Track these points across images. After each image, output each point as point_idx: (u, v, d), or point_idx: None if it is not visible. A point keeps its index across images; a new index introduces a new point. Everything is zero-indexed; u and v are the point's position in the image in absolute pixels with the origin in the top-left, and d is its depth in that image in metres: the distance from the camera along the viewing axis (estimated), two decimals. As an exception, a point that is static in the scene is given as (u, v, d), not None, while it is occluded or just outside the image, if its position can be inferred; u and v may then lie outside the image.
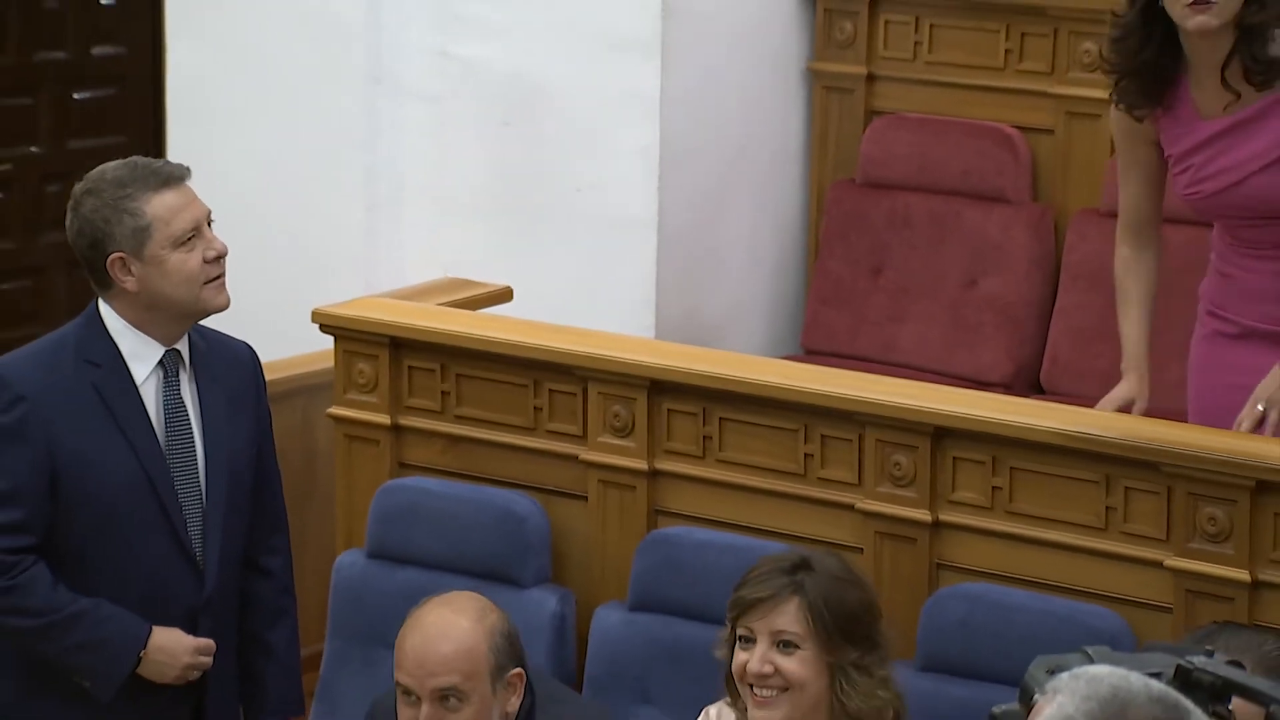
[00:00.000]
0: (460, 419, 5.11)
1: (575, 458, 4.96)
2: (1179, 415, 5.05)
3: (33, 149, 7.87)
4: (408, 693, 4.14)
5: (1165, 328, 5.82)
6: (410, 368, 5.15)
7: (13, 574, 4.26)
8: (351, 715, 4.86)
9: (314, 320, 5.20)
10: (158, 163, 4.35)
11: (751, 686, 4.04)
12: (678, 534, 4.81)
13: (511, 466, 5.03)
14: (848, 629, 4.03)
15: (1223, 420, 4.80)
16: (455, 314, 5.33)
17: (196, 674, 4.41)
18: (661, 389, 4.87)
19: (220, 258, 4.34)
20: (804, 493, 4.73)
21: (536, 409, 5.01)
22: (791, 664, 4.01)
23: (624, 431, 4.91)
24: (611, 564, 4.91)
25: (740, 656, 4.05)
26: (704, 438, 4.85)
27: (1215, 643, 3.81)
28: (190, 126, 6.44)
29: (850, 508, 4.68)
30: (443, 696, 4.11)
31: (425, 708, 4.11)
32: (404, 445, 5.16)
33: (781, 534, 4.72)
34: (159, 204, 4.29)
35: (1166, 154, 4.85)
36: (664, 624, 4.73)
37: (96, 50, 8.00)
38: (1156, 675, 2.74)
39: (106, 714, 4.35)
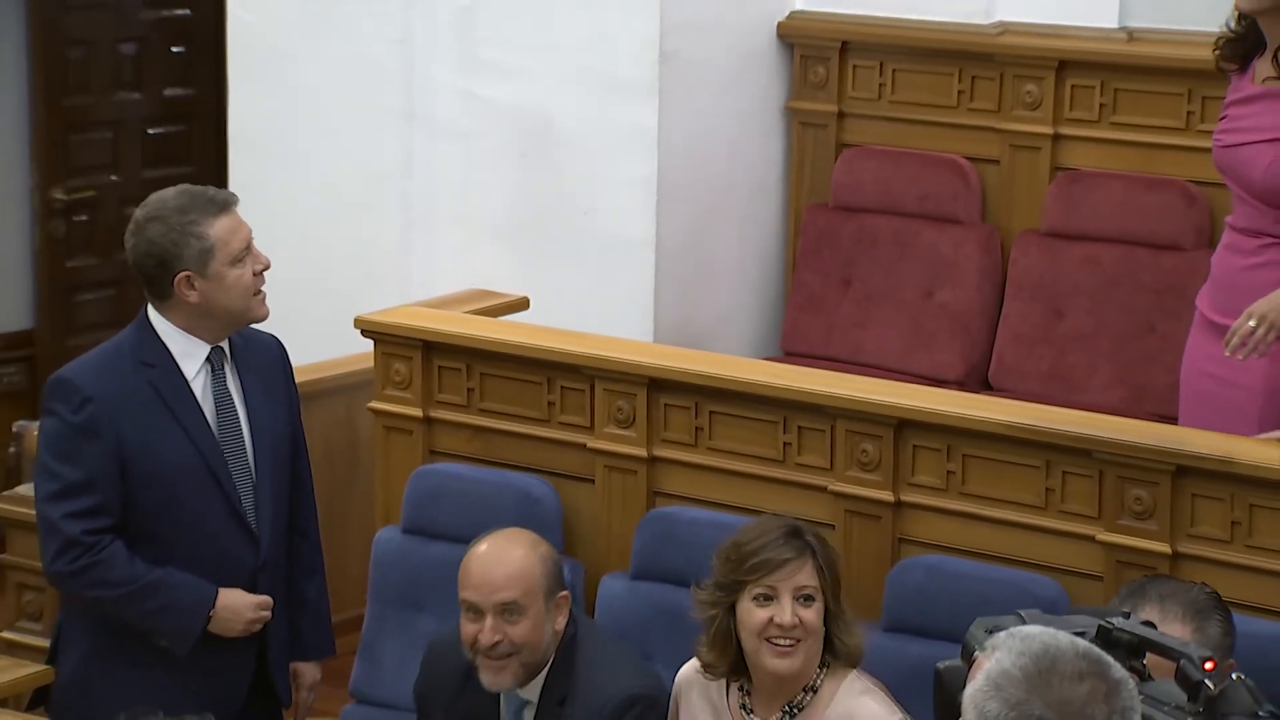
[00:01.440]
0: (484, 412, 5.10)
1: (584, 446, 4.95)
2: (1108, 407, 5.04)
3: (113, 178, 7.87)
4: (473, 609, 4.19)
5: (1096, 333, 5.83)
6: (440, 367, 5.14)
7: (95, 552, 4.27)
8: (391, 669, 4.85)
9: (356, 326, 5.20)
10: (210, 191, 4.36)
11: (770, 639, 4.04)
12: (673, 513, 4.80)
13: (528, 453, 5.03)
14: (838, 581, 4.09)
15: (1191, 401, 4.78)
16: (479, 321, 5.32)
17: (258, 626, 4.43)
18: (659, 386, 4.86)
19: (265, 269, 4.37)
20: (783, 476, 4.72)
21: (550, 403, 5.00)
22: (810, 614, 4.04)
23: (626, 423, 4.90)
24: (615, 539, 4.90)
25: (762, 613, 4.03)
26: (696, 429, 4.84)
27: (1147, 592, 3.79)
28: (249, 159, 6.43)
29: (823, 489, 4.67)
30: (504, 610, 4.16)
31: (489, 620, 4.15)
32: (435, 435, 5.16)
33: (764, 512, 4.71)
34: (219, 227, 4.30)
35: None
36: (662, 591, 4.72)
37: (168, 92, 8.01)
38: (1082, 634, 2.73)
39: (181, 669, 4.35)
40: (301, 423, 4.62)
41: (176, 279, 4.28)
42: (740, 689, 4.13)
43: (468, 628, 4.19)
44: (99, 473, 4.27)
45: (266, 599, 4.42)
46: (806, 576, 4.04)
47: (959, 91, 6.08)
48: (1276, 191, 4.69)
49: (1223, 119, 4.83)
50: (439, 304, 5.52)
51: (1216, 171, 4.88)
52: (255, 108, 6.43)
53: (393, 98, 6.21)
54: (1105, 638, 2.79)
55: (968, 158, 6.07)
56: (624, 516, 4.89)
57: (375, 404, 5.19)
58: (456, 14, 6.09)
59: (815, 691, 4.07)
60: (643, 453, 4.88)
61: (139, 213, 4.35)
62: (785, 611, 4.02)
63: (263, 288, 4.36)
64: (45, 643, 5.03)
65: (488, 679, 4.20)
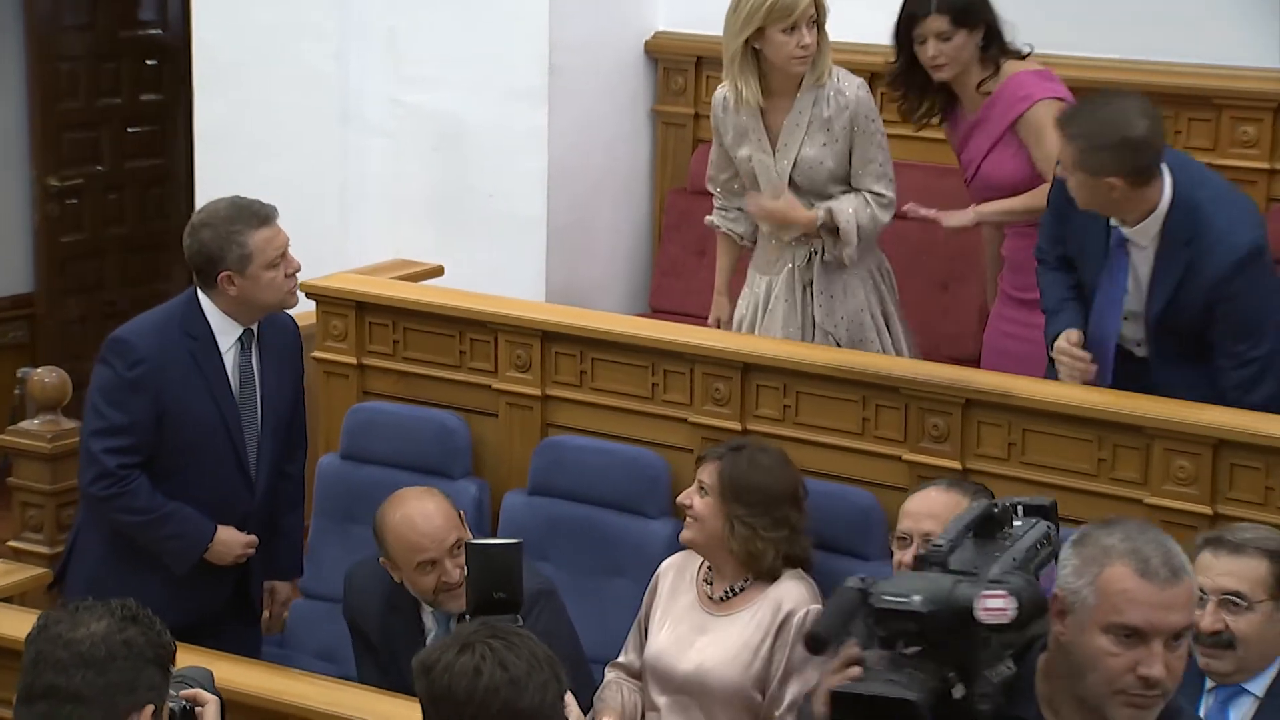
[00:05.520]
0: (407, 359, 5.08)
1: (489, 387, 4.94)
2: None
3: (98, 168, 7.76)
4: (430, 562, 4.09)
5: (901, 291, 5.85)
6: (371, 323, 5.11)
7: (124, 483, 4.28)
8: (331, 570, 4.83)
9: (301, 290, 5.13)
10: (256, 204, 4.32)
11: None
12: (563, 441, 4.81)
13: (443, 393, 5.01)
14: (741, 494, 4.08)
15: (995, 355, 4.84)
16: (403, 285, 5.29)
17: (244, 560, 4.45)
18: (550, 338, 4.86)
19: (297, 271, 4.35)
20: (652, 411, 4.74)
21: (461, 353, 4.99)
22: (700, 504, 4.10)
23: (524, 368, 4.89)
24: (515, 463, 4.90)
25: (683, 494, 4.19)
26: (581, 372, 4.84)
27: (936, 482, 4.05)
28: (212, 153, 6.36)
29: (684, 421, 4.69)
30: (454, 547, 4.08)
31: (447, 563, 4.08)
32: (367, 379, 5.13)
33: (637, 440, 4.74)
34: (259, 237, 4.28)
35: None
36: (553, 504, 4.73)
37: (144, 97, 7.89)
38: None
39: (174, 580, 4.37)
40: (304, 388, 4.62)
41: (220, 276, 4.27)
42: (707, 568, 4.18)
43: (428, 578, 4.10)
44: (138, 420, 4.26)
45: (254, 538, 4.45)
46: (705, 475, 4.13)
47: (792, 98, 6.08)
48: (1023, 180, 4.74)
49: (964, 168, 4.87)
50: (369, 271, 5.49)
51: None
52: (216, 111, 6.35)
53: (331, 103, 6.15)
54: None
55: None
56: (522, 444, 4.89)
57: (317, 353, 5.15)
58: (383, 35, 6.04)
59: (753, 579, 4.10)
60: (537, 392, 4.88)
61: (195, 218, 4.35)
62: (683, 494, 4.15)
63: (295, 285, 4.34)
64: (46, 550, 5.00)
65: (455, 605, 4.06)
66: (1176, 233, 4.18)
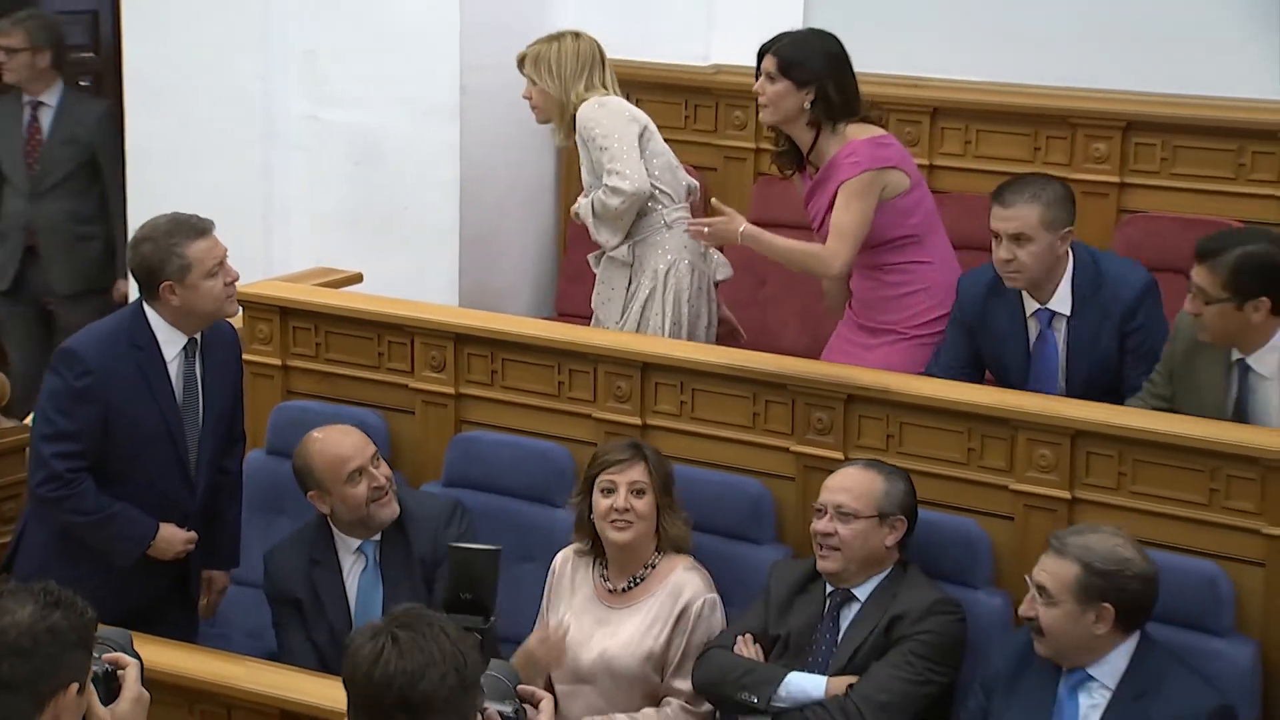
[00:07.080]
0: (329, 361, 5.08)
1: (406, 386, 4.95)
2: (797, 351, 5.12)
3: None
4: (359, 471, 4.35)
5: (788, 295, 5.91)
6: (294, 327, 5.11)
7: (72, 486, 4.24)
8: (255, 558, 4.82)
9: (231, 297, 5.13)
10: (194, 218, 4.30)
11: (613, 521, 4.11)
12: (475, 436, 4.82)
13: (363, 392, 5.01)
14: (667, 484, 4.18)
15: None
16: (324, 291, 5.28)
17: (184, 555, 4.43)
18: (464, 339, 4.87)
19: (235, 281, 4.32)
20: (557, 407, 4.77)
21: (380, 354, 4.99)
22: (641, 503, 4.11)
23: (439, 368, 4.90)
24: (431, 456, 4.91)
25: (604, 501, 4.13)
26: (492, 372, 4.86)
27: (855, 462, 4.20)
28: (144, 169, 6.31)
29: (588, 417, 4.72)
30: (373, 458, 4.40)
31: (374, 470, 4.37)
32: (291, 379, 5.12)
33: (544, 434, 4.76)
34: (196, 249, 4.24)
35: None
36: (467, 495, 4.74)
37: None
38: None
39: (118, 571, 4.35)
40: (243, 389, 4.61)
41: (161, 287, 4.24)
42: (602, 565, 4.19)
43: (359, 488, 4.34)
44: (86, 427, 4.23)
45: (194, 535, 4.43)
46: (638, 473, 4.12)
47: (685, 116, 6.12)
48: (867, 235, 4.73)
49: (811, 219, 4.84)
50: (293, 279, 5.47)
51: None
52: (147, 129, 6.30)
53: (255, 121, 6.13)
54: None
55: (694, 165, 6.09)
56: (438, 439, 4.90)
57: (244, 356, 5.11)
58: (303, 57, 6.03)
59: (654, 568, 4.15)
60: (451, 391, 4.89)
61: (137, 233, 4.32)
62: (620, 499, 4.10)
63: (234, 292, 4.32)
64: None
65: (388, 513, 4.37)
66: (1085, 288, 4.41)
